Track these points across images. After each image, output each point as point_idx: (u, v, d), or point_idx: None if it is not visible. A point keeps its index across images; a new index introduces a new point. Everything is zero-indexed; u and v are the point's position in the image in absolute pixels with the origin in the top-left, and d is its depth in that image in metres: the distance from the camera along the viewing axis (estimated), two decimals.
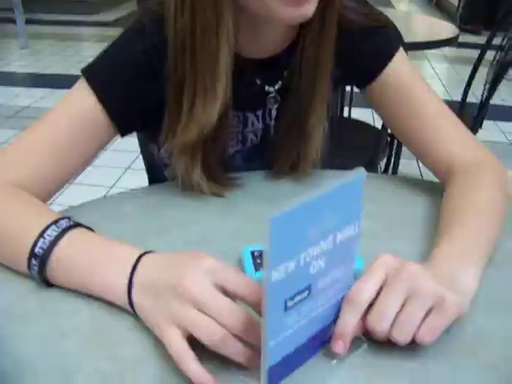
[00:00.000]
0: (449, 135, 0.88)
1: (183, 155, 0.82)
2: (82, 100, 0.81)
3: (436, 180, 0.93)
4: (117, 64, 0.81)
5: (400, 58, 0.90)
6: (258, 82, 0.89)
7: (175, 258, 0.59)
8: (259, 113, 0.92)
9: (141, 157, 1.42)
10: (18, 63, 5.16)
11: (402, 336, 0.54)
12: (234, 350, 0.51)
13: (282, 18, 0.73)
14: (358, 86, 0.95)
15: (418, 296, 0.54)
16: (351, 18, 0.86)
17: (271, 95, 0.90)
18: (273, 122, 0.93)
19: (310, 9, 0.72)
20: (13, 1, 5.38)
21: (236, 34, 0.76)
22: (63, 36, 6.23)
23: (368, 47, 0.89)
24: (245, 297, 0.53)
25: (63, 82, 4.46)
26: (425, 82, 0.92)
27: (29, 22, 5.86)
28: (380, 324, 0.54)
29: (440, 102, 0.91)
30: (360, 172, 0.49)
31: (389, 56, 0.89)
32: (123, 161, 2.96)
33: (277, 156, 0.93)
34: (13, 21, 5.59)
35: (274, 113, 0.93)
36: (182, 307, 0.53)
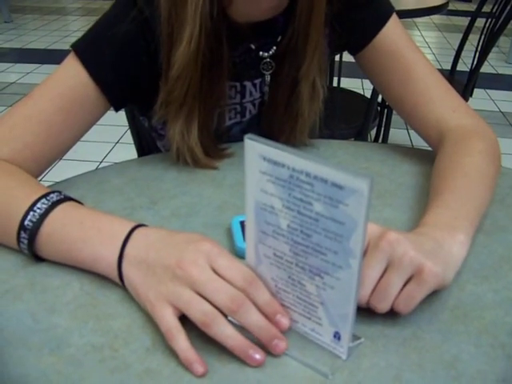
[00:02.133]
0: (440, 101, 0.88)
1: (178, 119, 0.82)
2: (73, 75, 0.80)
3: (426, 148, 0.93)
4: (107, 38, 0.80)
5: (393, 23, 0.90)
6: (253, 47, 0.88)
7: (171, 236, 0.59)
8: (257, 81, 0.92)
9: (129, 131, 1.41)
10: (2, 38, 5.08)
11: (380, 304, 0.54)
12: (224, 332, 0.51)
13: None
14: (350, 52, 0.95)
15: (397, 265, 0.54)
16: None
17: (265, 61, 0.89)
18: (266, 89, 0.93)
19: None
20: None
21: (226, 2, 0.76)
22: (47, 10, 6.13)
23: (362, 15, 0.89)
24: (235, 282, 0.53)
25: (49, 56, 4.44)
26: (418, 48, 0.91)
27: None
28: (359, 291, 0.54)
29: (432, 68, 0.90)
30: (366, 178, 0.43)
31: (382, 21, 0.89)
32: (112, 135, 2.94)
33: (270, 127, 0.93)
34: None
35: (267, 79, 0.92)
36: (178, 287, 0.53)
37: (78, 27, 5.30)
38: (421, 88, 0.88)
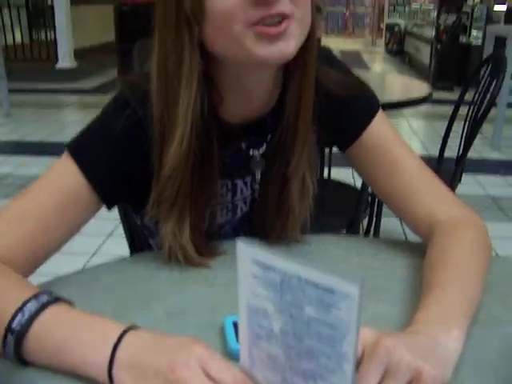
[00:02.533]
0: (428, 194, 0.89)
1: (170, 219, 0.82)
2: (67, 174, 0.81)
3: (419, 240, 0.93)
4: (101, 139, 0.82)
5: (379, 119, 0.93)
6: (243, 146, 0.90)
7: (164, 340, 0.58)
8: (248, 179, 0.93)
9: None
10: (0, 131, 5.18)
11: None
12: None
13: (260, 58, 0.74)
14: (339, 148, 0.97)
15: (395, 371, 0.53)
16: (332, 88, 0.89)
17: (256, 159, 0.91)
18: (257, 186, 0.94)
19: (288, 46, 0.74)
20: None
21: (218, 100, 0.80)
22: (45, 103, 6.31)
23: (348, 113, 0.92)
24: None
25: (44, 149, 4.51)
26: (403, 140, 0.94)
27: (12, 90, 5.92)
28: None
29: (418, 160, 0.92)
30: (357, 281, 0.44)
31: (368, 119, 0.92)
32: (105, 227, 2.93)
33: (261, 224, 0.93)
34: None
35: (258, 177, 0.93)
36: None
37: (74, 120, 5.41)
38: (408, 182, 0.90)
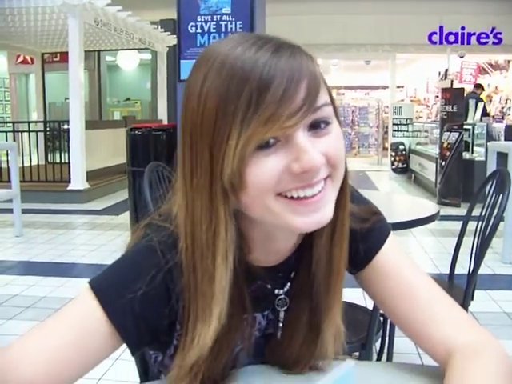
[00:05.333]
0: (443, 318, 0.87)
1: (186, 378, 0.79)
2: (89, 313, 0.77)
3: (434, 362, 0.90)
4: (129, 286, 0.77)
5: (389, 243, 0.93)
6: (269, 286, 0.88)
7: None
8: (266, 312, 0.90)
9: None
10: (11, 251, 5.23)
11: None
12: None
13: (296, 227, 0.74)
14: (349, 272, 0.96)
15: None
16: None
17: (280, 297, 0.90)
18: (281, 325, 0.91)
19: (326, 213, 0.74)
20: (12, 192, 5.60)
21: (246, 250, 0.80)
22: (55, 224, 6.40)
23: (360, 243, 0.91)
24: None
25: (53, 269, 4.51)
26: (414, 263, 0.93)
27: (25, 211, 6.04)
28: None
29: (431, 282, 0.91)
30: (349, 364, 0.48)
31: (380, 245, 0.92)
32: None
33: (288, 356, 0.90)
34: (10, 210, 5.77)
35: (281, 315, 0.91)
36: None
37: (83, 241, 5.46)
38: (423, 305, 0.88)
